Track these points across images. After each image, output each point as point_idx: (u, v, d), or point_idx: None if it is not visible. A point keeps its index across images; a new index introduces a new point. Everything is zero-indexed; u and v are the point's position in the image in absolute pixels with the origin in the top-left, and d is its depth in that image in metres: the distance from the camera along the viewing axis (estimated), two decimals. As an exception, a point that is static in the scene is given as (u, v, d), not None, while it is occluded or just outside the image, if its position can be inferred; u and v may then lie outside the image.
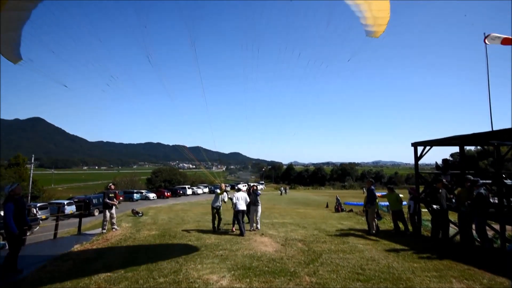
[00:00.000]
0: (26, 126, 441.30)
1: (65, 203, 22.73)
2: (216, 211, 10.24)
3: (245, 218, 10.51)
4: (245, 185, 13.48)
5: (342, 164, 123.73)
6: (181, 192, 43.91)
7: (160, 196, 40.00)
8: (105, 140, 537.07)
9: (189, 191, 46.44)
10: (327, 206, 27.38)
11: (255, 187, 10.84)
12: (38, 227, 17.06)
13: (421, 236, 9.90)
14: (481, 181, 8.03)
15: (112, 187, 11.14)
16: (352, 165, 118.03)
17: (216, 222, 10.18)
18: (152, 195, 38.33)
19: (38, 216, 19.53)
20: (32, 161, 41.72)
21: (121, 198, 33.14)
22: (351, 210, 21.33)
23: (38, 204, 22.54)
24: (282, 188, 54.17)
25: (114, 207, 10.74)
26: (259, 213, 10.29)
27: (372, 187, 10.54)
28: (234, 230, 9.79)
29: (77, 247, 8.24)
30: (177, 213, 21.16)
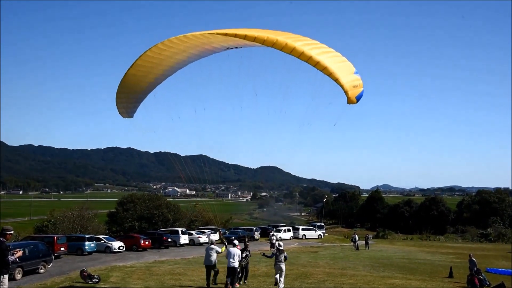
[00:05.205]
0: None
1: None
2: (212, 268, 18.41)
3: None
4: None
5: (481, 192, 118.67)
6: (169, 240, 44.74)
7: (132, 246, 41.00)
8: (36, 144, 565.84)
9: (183, 239, 46.95)
10: (450, 275, 26.71)
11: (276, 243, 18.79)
12: None
13: None
14: None
15: (10, 232, 11.44)
16: (504, 194, 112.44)
17: (212, 276, 18.39)
18: (117, 244, 39.40)
19: None
20: None
21: (62, 248, 34.52)
22: (501, 285, 20.44)
23: None
24: (357, 236, 52.86)
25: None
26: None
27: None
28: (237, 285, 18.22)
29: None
30: (163, 280, 21.56)
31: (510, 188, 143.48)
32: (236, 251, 17.29)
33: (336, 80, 12.74)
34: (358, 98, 13.50)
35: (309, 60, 12.69)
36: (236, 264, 17.01)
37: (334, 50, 13.98)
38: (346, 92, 12.84)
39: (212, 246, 18.57)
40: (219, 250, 18.57)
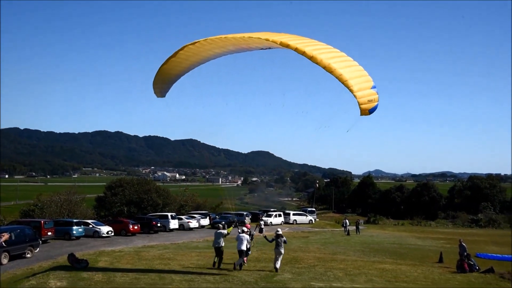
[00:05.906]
0: None
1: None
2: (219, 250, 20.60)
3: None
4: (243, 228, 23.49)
5: (472, 177, 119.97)
6: (159, 224, 45.02)
7: (121, 230, 41.20)
8: (22, 127, 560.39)
9: (173, 224, 47.43)
10: (440, 260, 27.16)
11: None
12: None
13: None
14: None
15: None
16: (495, 180, 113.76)
17: (217, 259, 20.66)
18: (105, 229, 39.61)
19: None
20: None
21: (49, 233, 34.57)
22: (490, 270, 20.80)
23: None
24: (347, 221, 53.45)
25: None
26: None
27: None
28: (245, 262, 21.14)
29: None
30: (152, 264, 21.69)
31: (502, 174, 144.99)
32: (245, 237, 20.69)
33: (353, 92, 15.49)
34: (371, 111, 16.15)
35: (332, 72, 15.38)
36: (244, 248, 20.28)
37: (357, 64, 16.77)
38: (359, 106, 15.67)
39: (220, 231, 20.89)
40: (226, 232, 21.12)
